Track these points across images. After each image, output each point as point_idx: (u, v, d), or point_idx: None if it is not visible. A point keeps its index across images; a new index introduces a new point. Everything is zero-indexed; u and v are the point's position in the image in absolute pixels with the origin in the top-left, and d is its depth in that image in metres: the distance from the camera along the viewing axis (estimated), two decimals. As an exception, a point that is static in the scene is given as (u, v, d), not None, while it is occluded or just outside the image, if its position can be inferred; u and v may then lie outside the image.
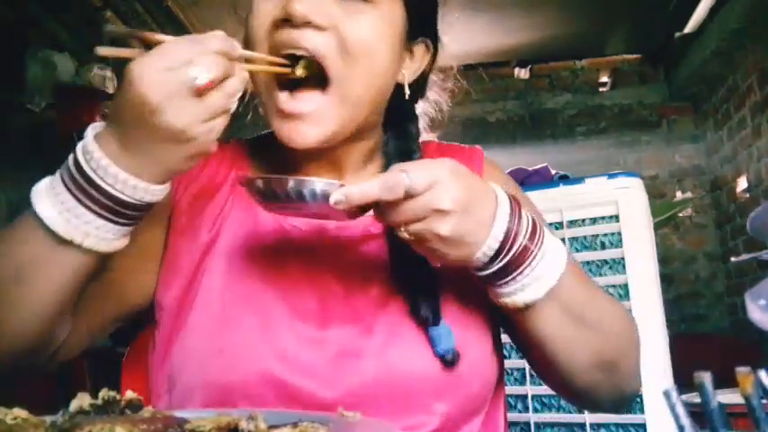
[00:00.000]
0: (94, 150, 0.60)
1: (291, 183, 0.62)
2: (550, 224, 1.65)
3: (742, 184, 3.75)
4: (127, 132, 0.60)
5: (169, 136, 0.58)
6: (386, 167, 0.80)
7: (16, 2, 3.18)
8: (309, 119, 0.70)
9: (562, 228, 1.59)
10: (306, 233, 0.78)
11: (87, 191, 0.60)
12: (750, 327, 0.70)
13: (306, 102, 0.70)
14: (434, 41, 0.83)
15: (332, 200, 0.61)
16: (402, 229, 0.62)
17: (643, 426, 1.42)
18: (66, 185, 0.61)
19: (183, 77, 0.56)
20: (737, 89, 3.75)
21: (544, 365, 0.76)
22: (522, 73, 4.43)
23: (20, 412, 0.43)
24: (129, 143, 0.60)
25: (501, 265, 0.64)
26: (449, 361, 0.72)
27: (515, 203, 0.66)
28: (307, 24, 0.67)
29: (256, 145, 0.87)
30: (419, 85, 0.84)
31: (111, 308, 0.78)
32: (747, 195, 3.69)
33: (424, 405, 0.72)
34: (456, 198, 0.61)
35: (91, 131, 0.62)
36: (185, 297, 0.75)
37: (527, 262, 0.65)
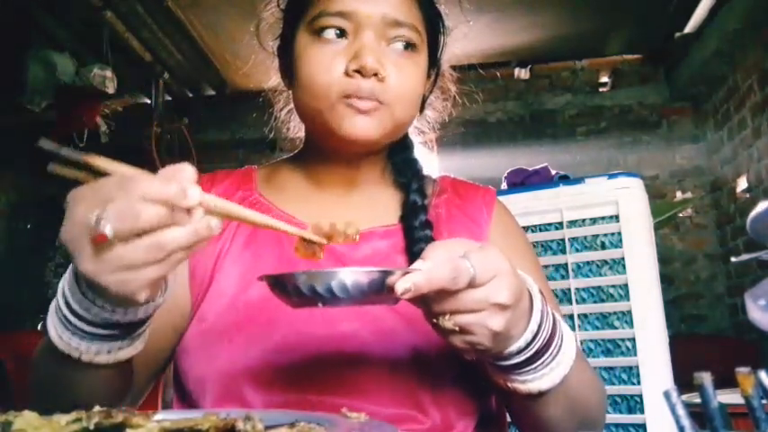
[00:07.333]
0: (70, 274, 0.58)
1: (336, 276, 0.54)
2: (550, 224, 1.65)
3: (742, 184, 3.75)
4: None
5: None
6: (397, 189, 0.90)
7: (16, 2, 3.18)
8: (371, 116, 0.79)
9: (562, 228, 1.59)
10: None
11: (68, 317, 0.59)
12: (750, 327, 0.70)
13: (370, 105, 0.78)
14: (437, 69, 0.92)
15: (399, 290, 0.54)
16: (447, 317, 0.57)
17: (643, 426, 1.42)
18: (57, 310, 0.60)
19: (89, 223, 0.50)
20: (738, 89, 3.74)
21: (528, 430, 0.78)
22: (522, 73, 4.43)
23: (30, 414, 0.43)
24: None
25: (528, 356, 0.62)
26: None
27: (540, 293, 0.64)
28: (374, 75, 0.77)
29: (264, 171, 0.94)
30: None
31: (168, 341, 0.82)
32: (747, 195, 3.68)
33: (420, 393, 0.75)
34: (515, 292, 0.58)
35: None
36: (201, 299, 0.81)
37: (549, 351, 0.63)
